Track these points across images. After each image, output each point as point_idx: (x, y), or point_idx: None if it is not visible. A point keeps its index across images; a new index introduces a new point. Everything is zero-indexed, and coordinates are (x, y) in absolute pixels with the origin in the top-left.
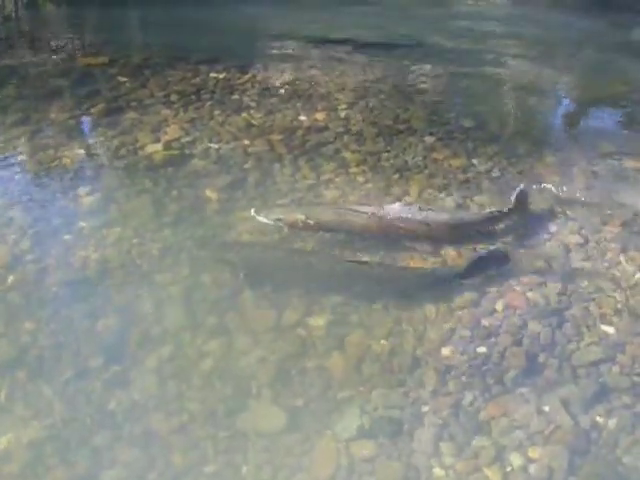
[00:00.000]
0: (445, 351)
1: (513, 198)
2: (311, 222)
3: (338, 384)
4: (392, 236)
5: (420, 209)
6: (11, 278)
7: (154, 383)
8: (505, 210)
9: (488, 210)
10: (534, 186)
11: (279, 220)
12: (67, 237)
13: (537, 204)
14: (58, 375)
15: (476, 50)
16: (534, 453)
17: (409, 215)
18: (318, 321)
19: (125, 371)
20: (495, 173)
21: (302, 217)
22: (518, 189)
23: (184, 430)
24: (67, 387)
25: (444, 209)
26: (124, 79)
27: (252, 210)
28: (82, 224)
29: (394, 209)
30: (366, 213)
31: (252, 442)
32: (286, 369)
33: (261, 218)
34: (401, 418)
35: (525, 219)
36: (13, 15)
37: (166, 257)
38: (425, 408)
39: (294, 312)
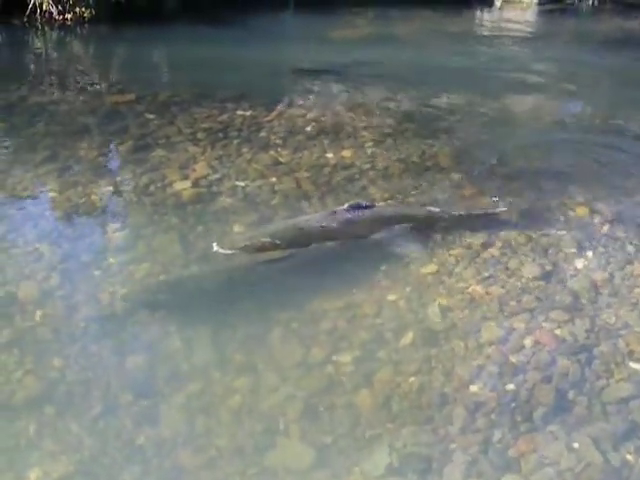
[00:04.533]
0: (474, 388)
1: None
2: (278, 242)
3: (366, 421)
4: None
5: (367, 207)
6: (40, 314)
7: (182, 419)
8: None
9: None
10: (561, 222)
11: (245, 248)
12: (96, 273)
13: (564, 240)
14: (87, 411)
15: (500, 87)
16: None
17: (360, 215)
18: (346, 358)
19: (154, 407)
20: (523, 208)
21: (268, 239)
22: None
23: (212, 466)
24: (96, 422)
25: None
26: (151, 116)
27: (214, 244)
28: (111, 260)
29: (345, 211)
30: (320, 222)
31: (280, 479)
32: (314, 406)
33: (225, 250)
34: (430, 455)
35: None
36: (42, 53)
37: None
38: (454, 445)
39: (321, 349)
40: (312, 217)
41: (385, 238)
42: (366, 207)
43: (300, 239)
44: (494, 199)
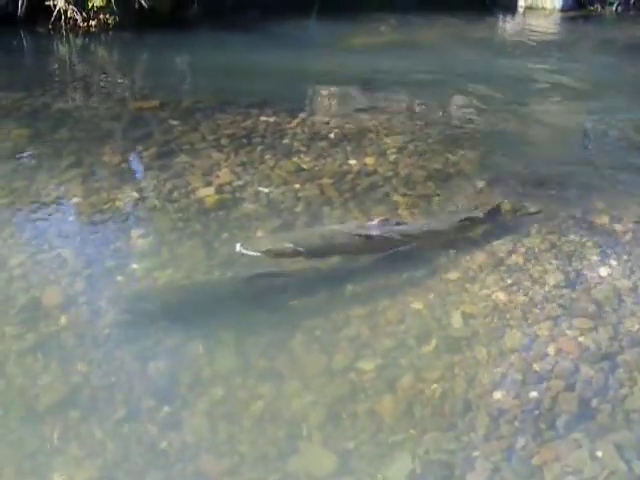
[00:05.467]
0: (497, 395)
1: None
2: (300, 249)
3: (389, 428)
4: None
5: (397, 224)
6: (64, 319)
7: (205, 424)
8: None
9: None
10: (585, 230)
11: (269, 251)
12: (119, 279)
13: (587, 248)
14: (110, 415)
15: (523, 94)
16: None
17: (389, 231)
18: (369, 364)
19: (177, 412)
20: (547, 215)
21: (290, 245)
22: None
23: (235, 472)
24: (119, 427)
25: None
26: (175, 122)
27: (238, 245)
28: (134, 266)
29: (375, 226)
30: (351, 233)
31: None
32: (337, 412)
33: (248, 251)
34: (452, 462)
35: None
36: (66, 60)
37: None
38: (476, 452)
39: (344, 356)
40: (338, 227)
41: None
42: (396, 224)
43: (323, 249)
44: (518, 207)
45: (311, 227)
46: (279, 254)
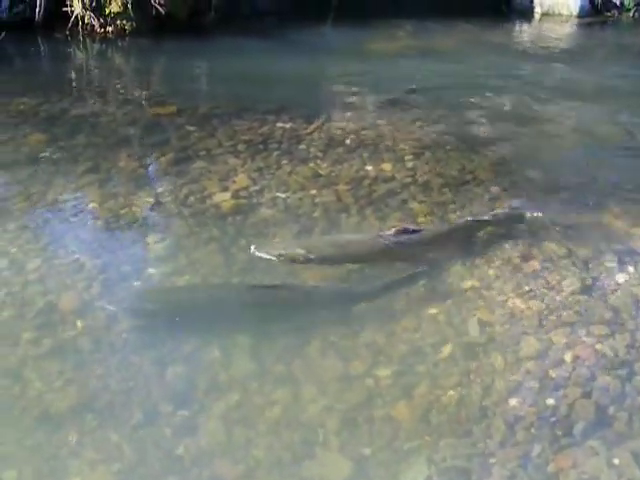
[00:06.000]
0: (513, 402)
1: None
2: (311, 256)
3: (405, 434)
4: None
5: (413, 232)
6: (80, 324)
7: (221, 429)
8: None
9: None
10: (602, 236)
11: (280, 256)
12: (136, 284)
13: (605, 254)
14: (127, 420)
15: (540, 101)
16: None
17: (405, 240)
18: (385, 371)
19: (193, 417)
20: (564, 221)
21: (302, 252)
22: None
23: (250, 477)
24: (136, 432)
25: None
26: (192, 128)
27: (252, 247)
28: (151, 271)
29: (390, 235)
30: (365, 241)
31: None
32: (353, 418)
33: (261, 254)
34: (469, 469)
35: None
36: (83, 66)
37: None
38: (493, 459)
39: (361, 362)
40: (354, 237)
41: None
42: (413, 232)
43: (335, 256)
44: (535, 214)
45: (325, 235)
46: (291, 259)
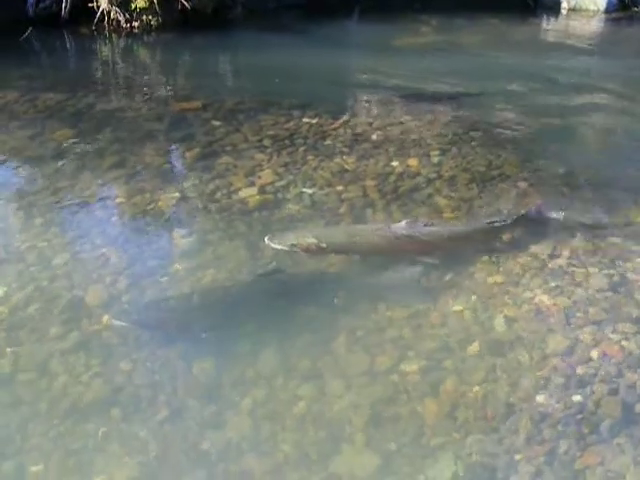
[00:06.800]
0: (539, 399)
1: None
2: (324, 245)
3: (432, 430)
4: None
5: (425, 225)
6: (107, 318)
7: (248, 424)
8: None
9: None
10: (628, 233)
11: (294, 246)
12: (162, 279)
13: (631, 251)
14: (153, 414)
15: (567, 97)
16: None
17: (415, 232)
18: (411, 366)
19: (219, 412)
20: (589, 220)
21: (314, 241)
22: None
23: (277, 472)
24: (162, 426)
25: (448, 224)
26: (218, 123)
27: (266, 238)
28: (177, 266)
29: (401, 227)
30: (378, 233)
31: None
32: (379, 414)
33: (275, 245)
34: (495, 465)
35: None
36: (109, 61)
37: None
38: (519, 455)
39: (387, 357)
40: (365, 227)
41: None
42: (424, 225)
43: (348, 247)
44: (562, 210)
45: (337, 225)
46: (303, 249)
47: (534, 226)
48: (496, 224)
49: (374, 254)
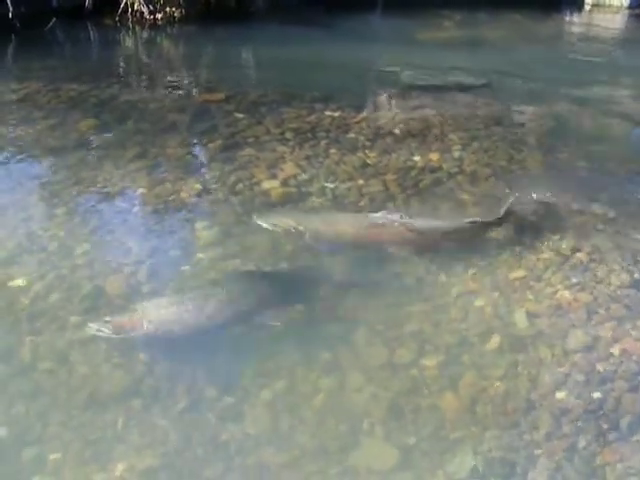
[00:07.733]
0: (560, 395)
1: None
2: (301, 229)
3: (451, 424)
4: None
5: (401, 217)
6: (127, 308)
7: (267, 417)
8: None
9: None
10: None
11: (275, 225)
12: (183, 269)
13: None
14: (172, 405)
15: (590, 92)
16: None
17: (394, 223)
18: (431, 361)
19: (239, 404)
20: (612, 214)
21: (293, 224)
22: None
23: (295, 464)
24: (181, 417)
25: (429, 217)
26: (240, 115)
27: (254, 216)
28: (199, 256)
29: (379, 217)
30: (356, 222)
31: (363, 479)
32: (398, 407)
33: (260, 222)
34: (514, 460)
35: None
36: (133, 52)
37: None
38: (539, 451)
39: (407, 351)
40: (344, 216)
41: (472, 243)
42: (400, 217)
43: (325, 234)
44: (583, 205)
45: (322, 212)
46: (284, 230)
47: (555, 221)
48: (476, 223)
49: (349, 241)
